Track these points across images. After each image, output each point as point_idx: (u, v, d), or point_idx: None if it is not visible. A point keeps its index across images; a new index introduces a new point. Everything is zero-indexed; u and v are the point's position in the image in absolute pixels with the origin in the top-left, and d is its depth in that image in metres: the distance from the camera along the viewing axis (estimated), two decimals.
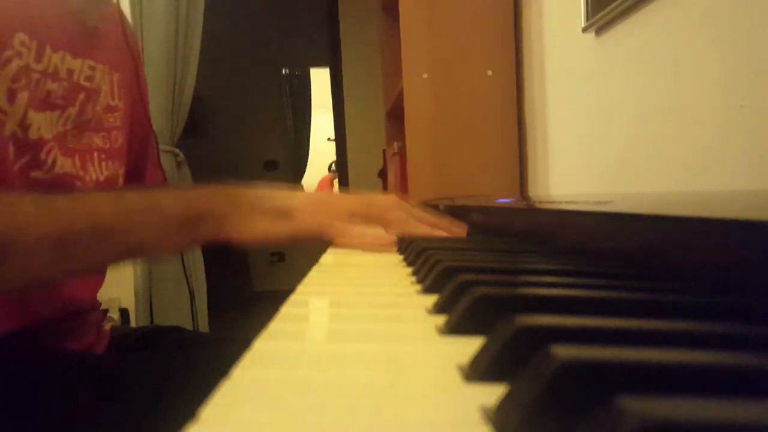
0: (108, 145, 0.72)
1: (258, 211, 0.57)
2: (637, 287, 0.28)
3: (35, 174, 0.62)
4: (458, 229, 0.63)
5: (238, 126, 4.38)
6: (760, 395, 0.13)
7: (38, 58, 0.62)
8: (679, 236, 0.29)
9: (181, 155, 2.24)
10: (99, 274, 0.62)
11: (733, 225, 0.26)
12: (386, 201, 0.62)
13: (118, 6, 0.81)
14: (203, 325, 2.33)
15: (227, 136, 4.42)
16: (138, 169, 0.84)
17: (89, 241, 0.51)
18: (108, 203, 0.53)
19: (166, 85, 2.15)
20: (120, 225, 0.52)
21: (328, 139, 4.11)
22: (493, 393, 0.16)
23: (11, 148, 0.59)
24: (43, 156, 0.62)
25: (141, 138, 0.83)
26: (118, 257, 0.55)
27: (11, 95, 0.59)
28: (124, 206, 0.53)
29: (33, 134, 0.61)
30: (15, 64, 0.60)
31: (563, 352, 0.15)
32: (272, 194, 0.59)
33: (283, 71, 4.61)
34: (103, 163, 0.71)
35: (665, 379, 0.14)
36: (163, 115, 2.13)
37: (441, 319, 0.25)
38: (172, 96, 2.17)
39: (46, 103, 0.63)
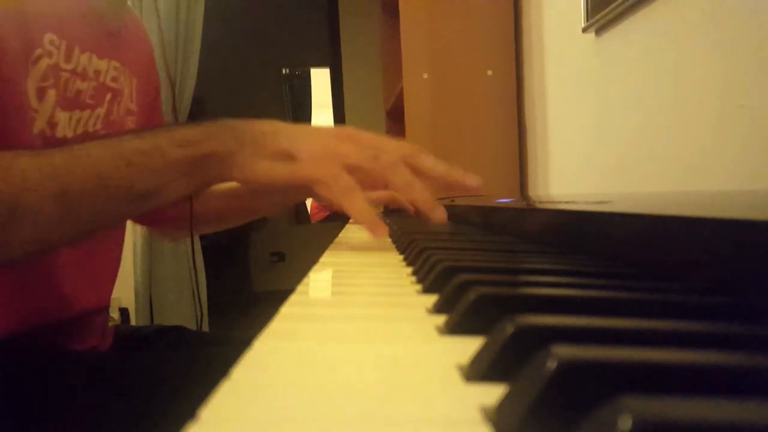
0: None
1: (260, 149, 0.53)
2: (637, 287, 0.28)
3: None
4: (471, 180, 0.58)
5: None
6: (760, 395, 0.13)
7: (68, 58, 0.62)
8: (679, 236, 0.29)
9: None
10: (112, 227, 0.59)
11: (733, 225, 0.26)
12: (394, 154, 0.54)
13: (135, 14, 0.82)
14: (203, 325, 2.34)
15: None
16: None
17: (94, 193, 0.50)
18: (108, 153, 0.51)
19: (166, 86, 2.15)
20: (123, 173, 0.50)
21: None
22: (493, 393, 0.16)
23: (39, 146, 0.59)
24: None
25: None
26: (125, 208, 0.53)
27: (41, 93, 0.59)
28: (126, 153, 0.51)
29: (59, 132, 0.62)
30: (45, 62, 0.60)
31: (563, 352, 0.15)
32: (276, 131, 0.54)
33: (283, 71, 4.60)
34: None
35: (665, 379, 0.14)
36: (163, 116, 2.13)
37: (441, 319, 0.25)
38: (172, 96, 2.17)
39: (75, 103, 0.64)
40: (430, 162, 0.56)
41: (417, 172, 0.54)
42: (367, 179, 0.53)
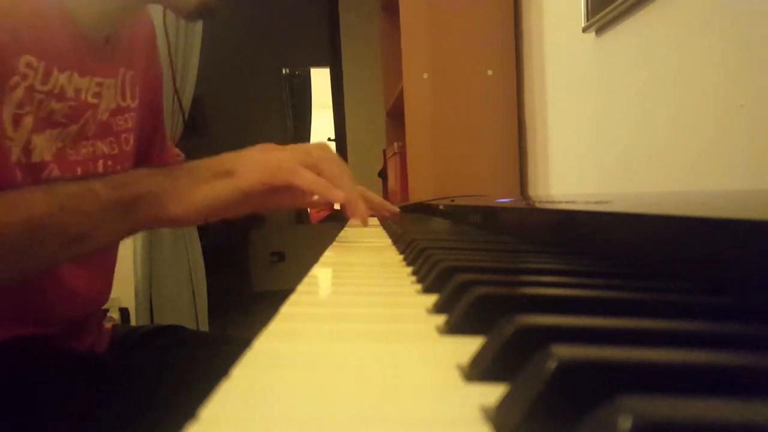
0: (116, 150, 0.71)
1: (197, 180, 0.55)
2: (637, 287, 0.28)
3: None
4: (386, 211, 0.63)
5: (238, 126, 4.37)
6: (760, 395, 0.13)
7: (44, 80, 0.61)
8: (680, 236, 0.29)
9: (182, 155, 2.24)
10: (42, 270, 0.61)
11: (734, 225, 0.26)
12: (321, 151, 0.60)
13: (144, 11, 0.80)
14: (203, 325, 2.34)
15: (227, 136, 4.40)
16: (144, 157, 0.83)
17: (28, 239, 0.50)
18: (40, 197, 0.51)
19: (166, 86, 2.15)
20: (56, 217, 0.51)
21: (329, 139, 4.11)
22: (493, 393, 0.16)
23: (18, 174, 0.59)
24: (44, 178, 0.61)
25: (149, 131, 0.83)
26: (58, 251, 0.53)
27: (16, 121, 0.59)
28: (57, 198, 0.52)
29: (36, 158, 0.61)
30: (21, 88, 0.59)
31: (563, 351, 0.15)
32: (210, 161, 0.57)
33: (283, 71, 4.61)
34: (111, 170, 0.70)
35: (665, 378, 0.14)
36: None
37: (441, 319, 0.25)
38: (172, 96, 2.17)
39: (47, 122, 0.62)
40: (346, 170, 0.60)
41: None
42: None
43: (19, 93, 0.58)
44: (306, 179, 0.57)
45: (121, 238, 0.56)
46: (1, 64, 0.56)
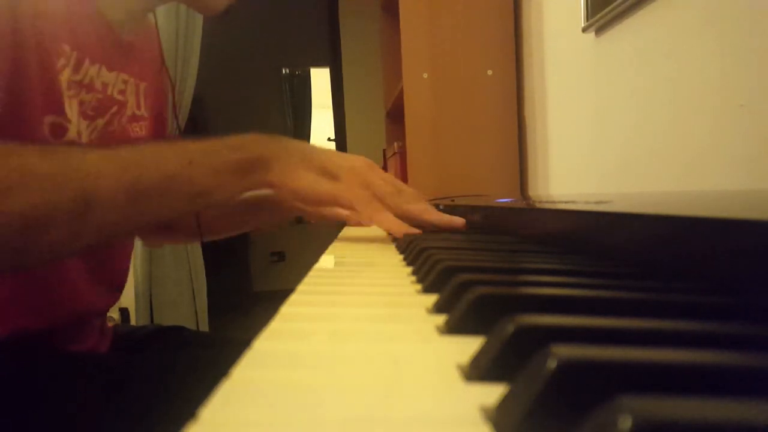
0: None
1: (306, 164, 0.58)
2: (637, 287, 0.28)
3: None
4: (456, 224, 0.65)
5: (238, 126, 4.37)
6: (760, 395, 0.13)
7: (76, 69, 0.63)
8: (679, 236, 0.29)
9: None
10: (167, 222, 0.64)
11: (733, 225, 0.26)
12: (416, 202, 0.63)
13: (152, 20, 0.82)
14: (203, 325, 2.34)
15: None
16: None
17: (160, 188, 0.53)
18: (172, 152, 0.55)
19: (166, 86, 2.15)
20: (184, 172, 0.54)
21: (328, 139, 4.11)
22: (493, 393, 0.16)
23: None
24: None
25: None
26: (184, 203, 0.56)
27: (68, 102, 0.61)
28: (188, 153, 0.55)
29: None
30: (66, 70, 0.61)
31: (563, 351, 0.14)
32: (321, 154, 0.60)
33: (283, 71, 4.60)
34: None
35: (665, 379, 0.14)
36: None
37: (441, 319, 0.25)
38: (172, 96, 2.17)
39: (80, 113, 0.64)
40: (431, 213, 0.64)
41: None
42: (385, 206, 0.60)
43: (66, 75, 0.61)
44: (384, 224, 0.59)
45: (236, 196, 0.59)
46: (48, 45, 0.58)
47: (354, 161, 0.61)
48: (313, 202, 0.60)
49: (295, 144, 0.60)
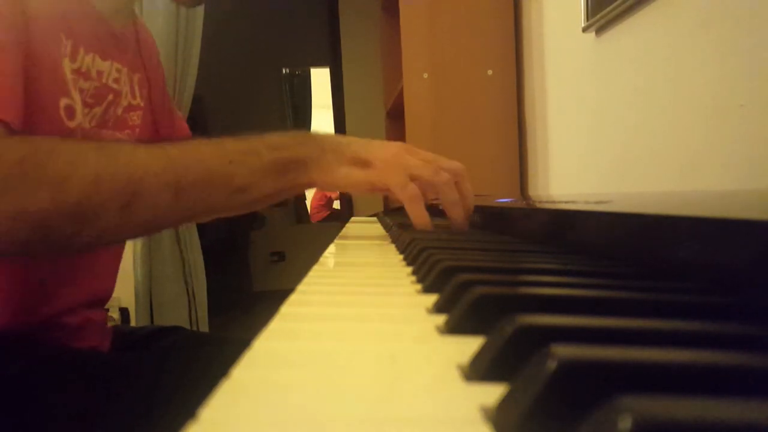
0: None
1: (340, 157, 0.60)
2: (637, 287, 0.28)
3: None
4: (458, 226, 0.65)
5: (238, 126, 4.36)
6: (760, 395, 0.13)
7: (73, 57, 0.64)
8: (679, 236, 0.29)
9: None
10: (208, 218, 0.66)
11: (733, 224, 0.26)
12: (450, 173, 0.62)
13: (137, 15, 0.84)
14: (203, 325, 2.33)
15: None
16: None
17: (202, 185, 0.55)
18: (214, 150, 0.57)
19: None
20: (226, 169, 0.56)
21: None
22: (493, 393, 0.16)
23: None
24: None
25: (156, 127, 0.86)
26: (224, 200, 0.58)
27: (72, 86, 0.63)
28: (229, 152, 0.57)
29: (78, 133, 0.65)
30: (67, 57, 0.62)
31: (563, 351, 0.14)
32: (351, 142, 0.62)
33: (283, 71, 4.60)
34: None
35: (665, 378, 0.14)
36: None
37: (441, 319, 0.25)
38: (173, 96, 2.17)
39: (79, 101, 0.65)
40: (468, 190, 0.64)
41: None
42: (422, 188, 0.61)
43: (67, 62, 0.62)
44: (414, 214, 0.61)
45: (273, 195, 0.61)
46: (49, 32, 0.60)
47: (389, 146, 0.62)
48: (352, 191, 0.62)
49: (330, 140, 0.62)
